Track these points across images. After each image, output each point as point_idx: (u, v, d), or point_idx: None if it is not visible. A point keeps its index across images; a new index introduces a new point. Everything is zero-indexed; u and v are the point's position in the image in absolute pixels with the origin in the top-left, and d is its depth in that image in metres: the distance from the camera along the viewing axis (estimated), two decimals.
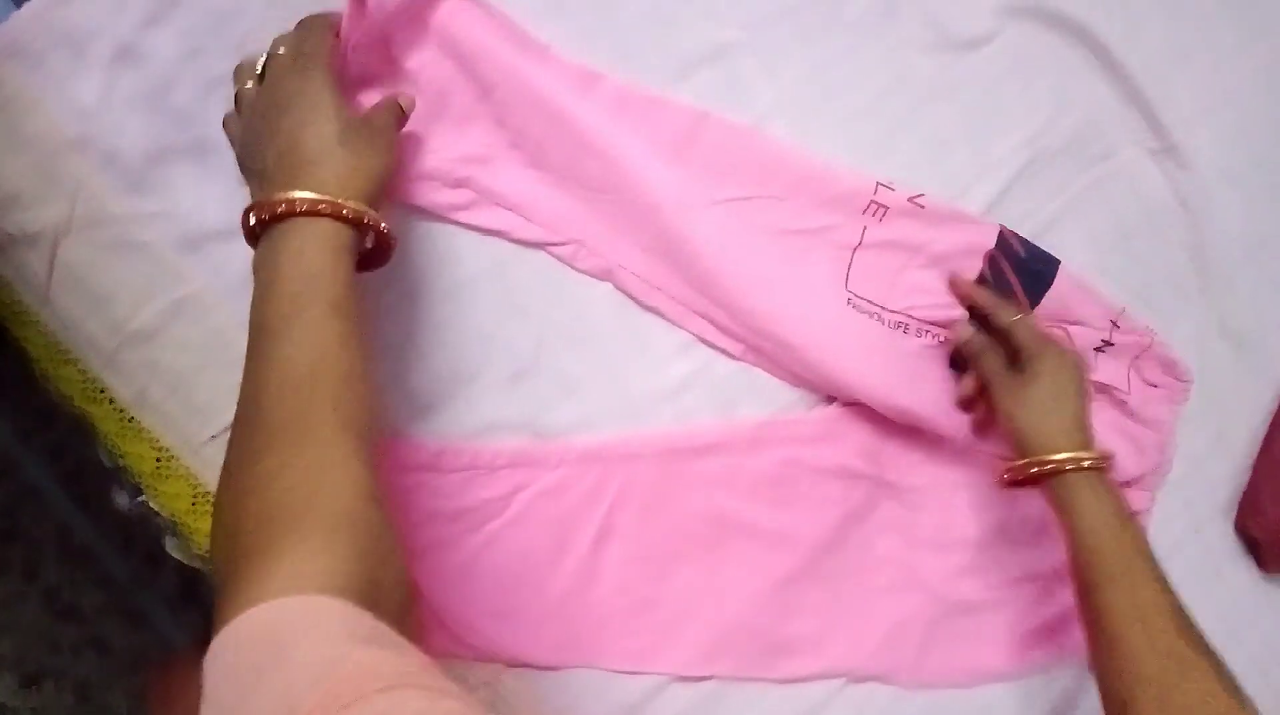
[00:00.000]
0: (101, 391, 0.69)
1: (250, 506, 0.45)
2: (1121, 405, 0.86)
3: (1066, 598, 0.80)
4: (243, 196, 0.66)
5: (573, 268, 0.75)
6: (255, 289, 0.53)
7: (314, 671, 0.36)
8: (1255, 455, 0.92)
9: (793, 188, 0.78)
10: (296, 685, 0.35)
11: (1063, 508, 0.71)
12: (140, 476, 0.71)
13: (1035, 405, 0.74)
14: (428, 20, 0.68)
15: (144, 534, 1.28)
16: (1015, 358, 0.76)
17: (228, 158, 0.66)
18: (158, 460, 0.70)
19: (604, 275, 0.75)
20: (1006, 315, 0.78)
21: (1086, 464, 0.70)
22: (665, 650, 0.77)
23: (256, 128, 0.59)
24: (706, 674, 0.78)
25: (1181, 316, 0.90)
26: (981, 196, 0.83)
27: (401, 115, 0.64)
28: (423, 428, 0.72)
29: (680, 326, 0.77)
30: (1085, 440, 0.72)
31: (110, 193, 0.65)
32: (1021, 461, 0.73)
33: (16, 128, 0.63)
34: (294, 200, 0.54)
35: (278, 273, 0.52)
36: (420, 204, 0.71)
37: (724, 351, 0.78)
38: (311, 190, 0.54)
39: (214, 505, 0.48)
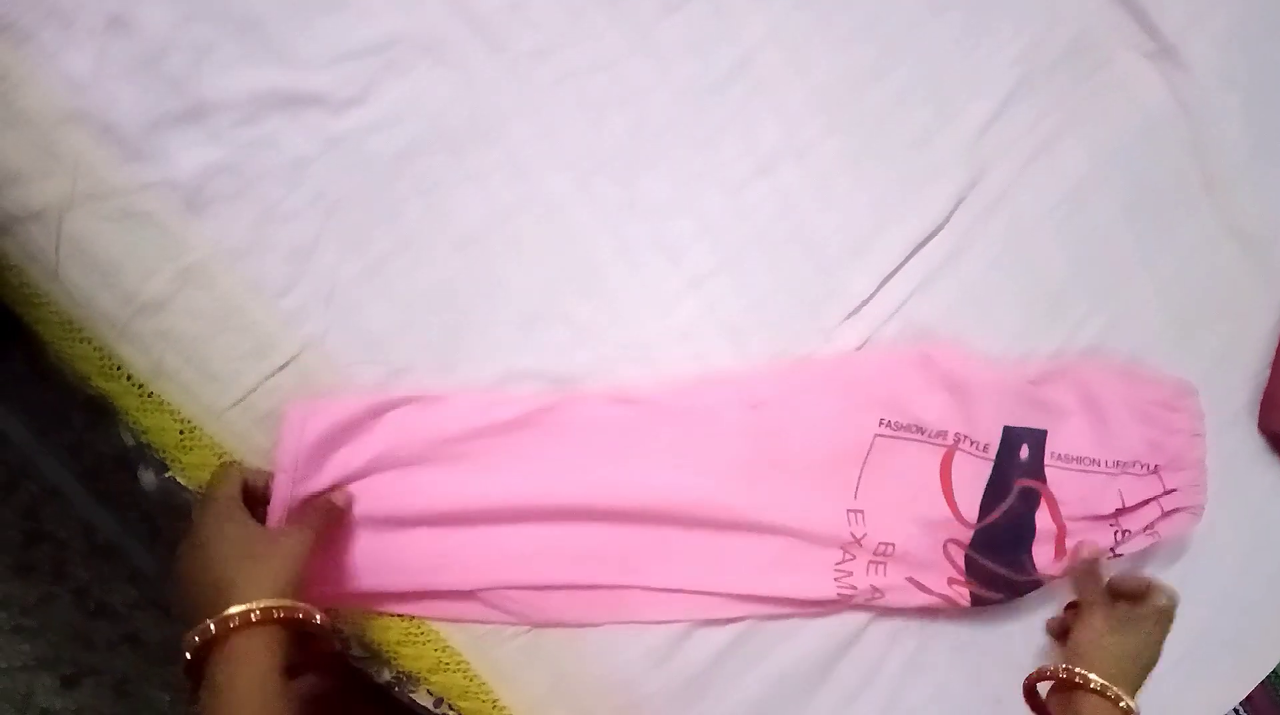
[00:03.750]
0: (118, 368, 0.69)
1: None
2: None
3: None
4: (244, 158, 0.67)
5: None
6: None
7: None
8: (1274, 353, 0.92)
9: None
10: None
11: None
12: (164, 450, 0.71)
13: (1120, 642, 0.77)
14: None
15: (169, 526, 1.28)
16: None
17: (225, 121, 0.67)
18: (180, 432, 0.70)
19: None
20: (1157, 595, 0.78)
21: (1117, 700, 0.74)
22: (694, 599, 0.77)
23: (179, 576, 0.63)
24: (739, 615, 0.78)
25: (1187, 221, 0.90)
26: (978, 114, 0.83)
27: (334, 511, 0.67)
28: (441, 382, 0.72)
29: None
30: (1124, 685, 0.75)
31: (110, 164, 0.65)
32: (1066, 669, 0.76)
33: (10, 104, 0.63)
34: (201, 631, 0.58)
35: None
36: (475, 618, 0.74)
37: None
38: (225, 609, 0.58)
39: None
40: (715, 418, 0.76)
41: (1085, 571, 0.80)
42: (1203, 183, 0.90)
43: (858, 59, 0.80)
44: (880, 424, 0.78)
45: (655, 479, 0.75)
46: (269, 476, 0.68)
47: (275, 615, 0.59)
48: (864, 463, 0.78)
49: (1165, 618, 0.78)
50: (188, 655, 0.58)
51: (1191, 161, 0.90)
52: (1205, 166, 0.90)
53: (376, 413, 0.70)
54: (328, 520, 0.67)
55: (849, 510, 0.78)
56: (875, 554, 0.78)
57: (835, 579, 0.78)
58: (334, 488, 0.69)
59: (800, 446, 0.77)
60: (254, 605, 0.58)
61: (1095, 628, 0.78)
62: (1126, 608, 0.78)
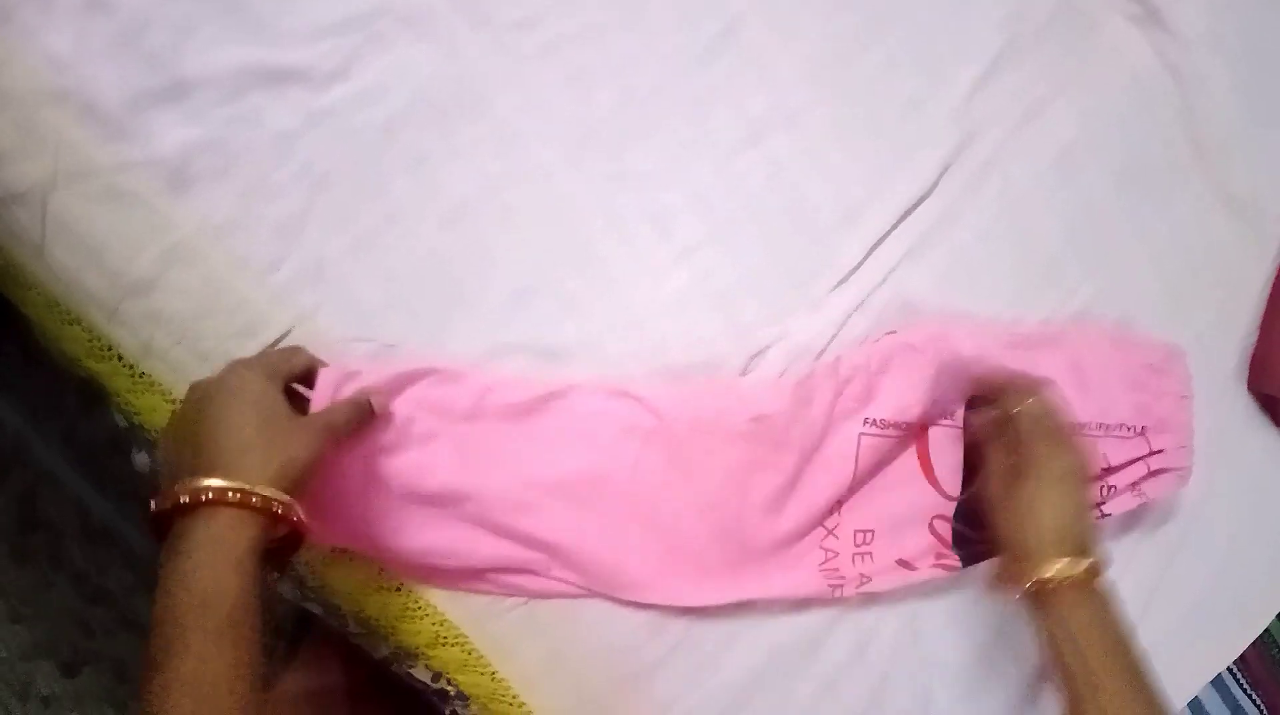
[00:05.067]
0: (109, 349, 0.68)
1: None
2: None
3: None
4: (227, 135, 0.67)
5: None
6: (155, 597, 0.52)
7: None
8: (1262, 316, 0.92)
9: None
10: None
11: (1040, 618, 0.67)
12: (156, 431, 0.71)
13: (1021, 507, 0.68)
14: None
15: None
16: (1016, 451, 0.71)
17: (208, 98, 0.66)
18: (173, 412, 0.70)
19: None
20: (1014, 402, 0.72)
21: (1061, 574, 0.65)
22: (688, 586, 0.76)
23: (183, 415, 0.60)
24: (732, 600, 0.77)
25: (1178, 187, 0.90)
26: (967, 79, 0.82)
27: (367, 412, 0.66)
28: (433, 355, 0.72)
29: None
30: (1072, 547, 0.66)
31: (92, 143, 0.64)
32: (1006, 573, 0.69)
33: None
34: (199, 489, 0.54)
35: (168, 589, 0.52)
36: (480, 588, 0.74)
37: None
38: (219, 478, 0.54)
39: None
40: (716, 426, 0.76)
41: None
42: (1193, 147, 0.90)
43: (845, 26, 0.80)
44: (865, 423, 0.78)
45: (648, 476, 0.75)
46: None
47: (273, 509, 0.56)
48: (855, 462, 0.78)
49: (1061, 445, 0.70)
50: (159, 505, 0.55)
51: (1181, 126, 0.89)
52: (1195, 131, 0.89)
53: (400, 387, 0.70)
54: (356, 416, 0.65)
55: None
56: (856, 544, 0.79)
57: (823, 572, 0.78)
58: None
59: (796, 455, 0.77)
60: (238, 485, 0.55)
61: (1022, 500, 0.68)
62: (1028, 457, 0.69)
